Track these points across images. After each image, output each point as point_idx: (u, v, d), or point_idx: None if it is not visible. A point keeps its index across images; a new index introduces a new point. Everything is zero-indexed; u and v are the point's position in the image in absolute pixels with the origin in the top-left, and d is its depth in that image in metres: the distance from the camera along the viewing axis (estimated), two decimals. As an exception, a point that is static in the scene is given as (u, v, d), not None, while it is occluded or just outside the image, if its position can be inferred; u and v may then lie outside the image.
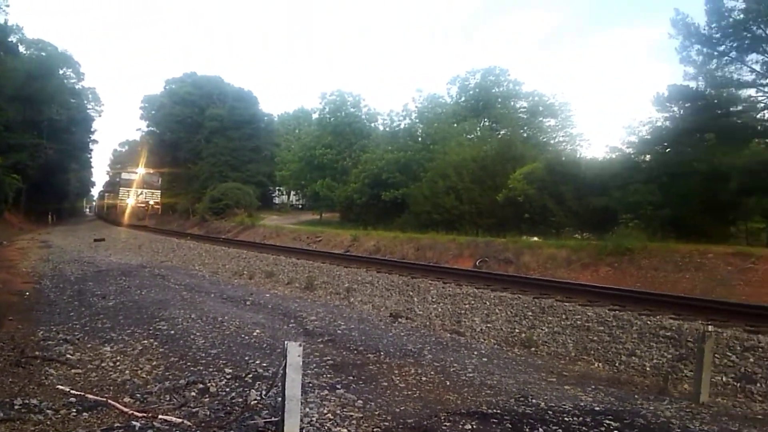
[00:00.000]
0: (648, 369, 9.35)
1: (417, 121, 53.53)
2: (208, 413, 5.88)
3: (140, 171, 62.88)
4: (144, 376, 7.30)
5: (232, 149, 71.54)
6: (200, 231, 45.83)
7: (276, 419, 5.50)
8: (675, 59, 29.36)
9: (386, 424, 5.77)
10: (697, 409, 7.08)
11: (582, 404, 6.86)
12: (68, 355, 8.01)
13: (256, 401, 6.24)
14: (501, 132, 52.00)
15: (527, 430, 5.74)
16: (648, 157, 29.65)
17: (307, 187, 63.15)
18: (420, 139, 50.72)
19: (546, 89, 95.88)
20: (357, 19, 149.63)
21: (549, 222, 30.41)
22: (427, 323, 12.43)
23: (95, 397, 6.13)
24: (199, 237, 37.93)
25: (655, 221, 25.97)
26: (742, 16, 26.81)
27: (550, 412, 6.35)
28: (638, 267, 19.13)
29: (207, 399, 6.37)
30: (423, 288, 16.18)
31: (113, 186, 70.26)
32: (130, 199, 60.24)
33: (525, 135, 51.80)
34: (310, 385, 6.76)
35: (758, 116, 27.53)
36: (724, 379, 8.67)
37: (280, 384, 5.57)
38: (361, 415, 5.98)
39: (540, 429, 5.76)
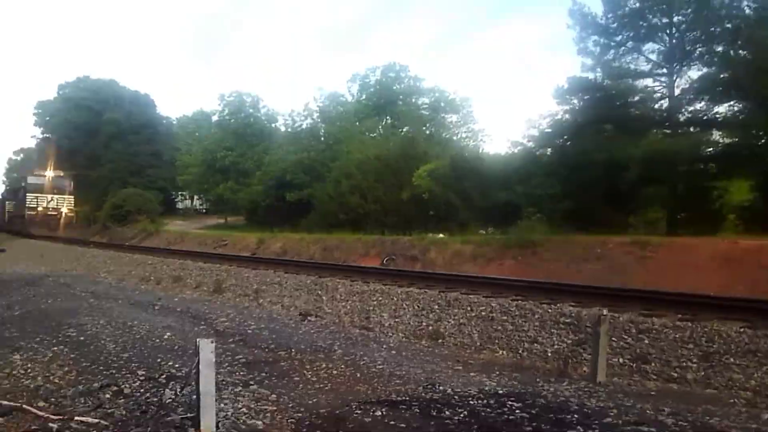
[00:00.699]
0: (549, 354, 9.80)
1: (319, 120, 53.62)
2: (124, 413, 5.97)
3: (49, 174, 55.14)
4: (57, 381, 7.25)
5: (132, 154, 69.81)
6: (103, 238, 44.33)
7: (192, 415, 5.69)
8: (574, 51, 29.85)
9: (300, 415, 5.99)
10: (595, 389, 7.45)
11: (486, 389, 7.17)
12: (-24, 365, 7.88)
13: (170, 399, 6.38)
14: (403, 129, 52.56)
15: (434, 413, 6.02)
16: (549, 150, 30.16)
17: (210, 190, 62.33)
18: (323, 138, 50.87)
19: (447, 85, 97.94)
20: (251, 20, 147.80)
21: (454, 218, 30.85)
22: (337, 320, 12.70)
23: (9, 403, 6.13)
24: (102, 245, 36.84)
25: (557, 214, 26.62)
26: (638, 5, 27.51)
27: (456, 397, 6.67)
28: (541, 259, 19.85)
29: (122, 400, 6.44)
30: (331, 287, 16.42)
31: (16, 193, 62.44)
32: (39, 207, 53.23)
33: (428, 132, 52.55)
34: (224, 382, 6.89)
35: (655, 106, 28.29)
36: (620, 360, 9.16)
37: (194, 382, 5.78)
38: (275, 408, 6.18)
39: (447, 412, 6.04)
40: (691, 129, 27.08)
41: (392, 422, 5.76)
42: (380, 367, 8.33)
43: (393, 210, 35.07)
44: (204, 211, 76.07)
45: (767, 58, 21.75)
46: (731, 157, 24.32)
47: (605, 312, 8.68)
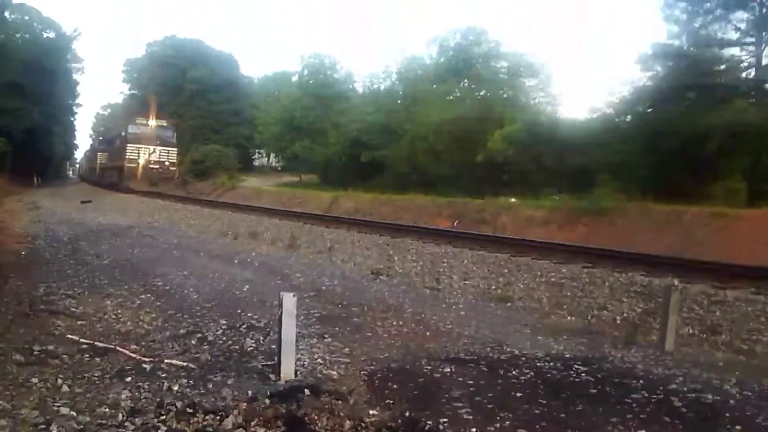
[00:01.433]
0: (618, 322, 9.70)
1: (397, 82, 53.45)
2: (209, 358, 6.42)
3: (152, 123, 49.72)
4: (145, 326, 7.79)
5: (213, 112, 71.62)
6: (182, 192, 45.54)
7: (272, 363, 6.08)
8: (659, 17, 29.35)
9: (372, 367, 6.27)
10: (662, 357, 7.41)
11: (553, 352, 7.30)
12: (72, 309, 8.45)
13: (252, 348, 6.82)
14: (481, 93, 51.62)
15: (501, 372, 6.23)
16: (629, 117, 29.65)
17: (286, 149, 63.17)
18: (400, 101, 50.74)
19: (526, 48, 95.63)
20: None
21: (527, 183, 30.53)
22: (407, 280, 12.82)
23: (104, 345, 6.68)
24: (182, 198, 38.04)
25: (633, 181, 26.00)
26: (730, -29, 26.32)
27: (523, 358, 6.82)
28: (615, 227, 19.61)
29: (206, 346, 6.89)
30: (403, 247, 16.72)
31: (111, 144, 57.31)
32: (141, 159, 47.68)
33: (505, 96, 51.72)
34: (300, 335, 7.11)
35: (742, 76, 27.52)
36: (690, 330, 9.00)
37: (273, 332, 6.17)
38: (349, 360, 6.51)
39: (513, 372, 6.23)
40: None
41: (460, 378, 5.97)
42: (449, 326, 8.52)
43: (466, 173, 34.90)
44: (279, 168, 77.23)
45: None
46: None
47: (677, 282, 8.62)
